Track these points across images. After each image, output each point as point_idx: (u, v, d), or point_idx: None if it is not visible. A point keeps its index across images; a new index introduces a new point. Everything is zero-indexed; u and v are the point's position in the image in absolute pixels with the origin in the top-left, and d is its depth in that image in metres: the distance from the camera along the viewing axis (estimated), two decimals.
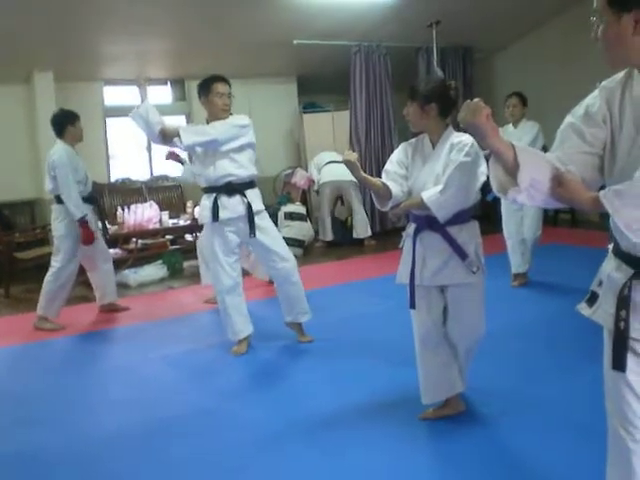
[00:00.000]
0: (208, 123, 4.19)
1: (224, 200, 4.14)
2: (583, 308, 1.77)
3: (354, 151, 8.28)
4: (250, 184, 4.24)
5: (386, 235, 8.42)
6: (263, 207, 4.30)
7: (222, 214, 4.13)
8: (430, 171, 2.89)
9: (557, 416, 3.01)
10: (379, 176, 3.01)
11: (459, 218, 2.88)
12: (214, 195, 4.15)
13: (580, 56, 8.34)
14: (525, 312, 4.73)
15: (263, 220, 4.24)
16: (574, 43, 8.45)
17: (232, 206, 4.15)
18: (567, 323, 4.46)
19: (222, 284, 4.20)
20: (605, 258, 1.74)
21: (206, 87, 4.15)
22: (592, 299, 1.75)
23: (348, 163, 2.81)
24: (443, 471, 2.65)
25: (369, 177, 2.90)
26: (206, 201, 4.21)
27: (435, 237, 2.88)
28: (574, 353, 3.80)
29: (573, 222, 8.49)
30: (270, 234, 4.28)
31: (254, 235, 4.16)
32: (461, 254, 2.84)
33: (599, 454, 1.83)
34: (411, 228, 2.98)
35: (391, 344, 4.11)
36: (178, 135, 4.04)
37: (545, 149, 5.23)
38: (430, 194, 2.80)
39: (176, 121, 8.77)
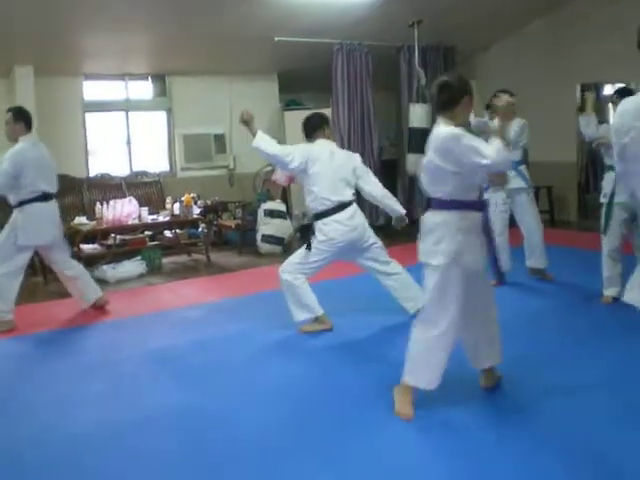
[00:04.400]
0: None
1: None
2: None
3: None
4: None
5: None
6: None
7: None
8: None
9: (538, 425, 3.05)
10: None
11: None
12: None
13: (561, 56, 8.44)
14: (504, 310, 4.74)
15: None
16: (556, 43, 8.54)
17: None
18: (546, 321, 4.52)
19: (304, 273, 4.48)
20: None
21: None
22: None
23: None
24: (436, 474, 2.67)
25: None
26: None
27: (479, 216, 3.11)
28: (552, 353, 3.84)
29: (552, 222, 8.56)
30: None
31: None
32: None
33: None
34: (470, 218, 3.06)
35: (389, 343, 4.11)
36: None
37: (525, 151, 5.36)
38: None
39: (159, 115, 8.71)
